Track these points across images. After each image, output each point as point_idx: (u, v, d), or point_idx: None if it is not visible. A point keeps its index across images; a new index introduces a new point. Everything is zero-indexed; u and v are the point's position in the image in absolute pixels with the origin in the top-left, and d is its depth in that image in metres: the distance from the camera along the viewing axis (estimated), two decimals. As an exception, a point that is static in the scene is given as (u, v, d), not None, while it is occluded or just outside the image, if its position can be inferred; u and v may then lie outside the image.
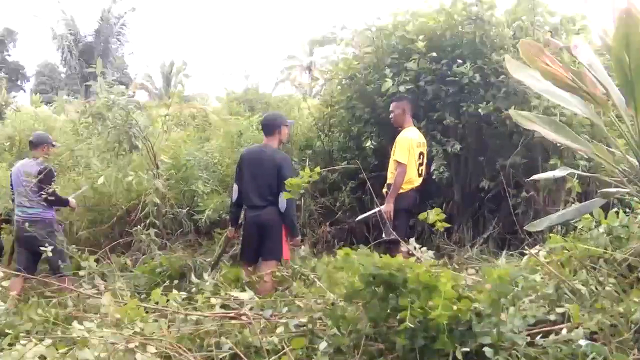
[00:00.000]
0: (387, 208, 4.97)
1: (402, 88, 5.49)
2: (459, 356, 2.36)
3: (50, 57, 42.74)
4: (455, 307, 2.48)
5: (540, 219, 3.57)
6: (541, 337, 2.51)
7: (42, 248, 4.65)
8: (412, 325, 2.38)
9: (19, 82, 43.83)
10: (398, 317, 2.50)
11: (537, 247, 3.37)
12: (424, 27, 5.72)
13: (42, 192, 5.16)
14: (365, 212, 5.61)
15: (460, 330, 2.52)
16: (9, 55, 44.39)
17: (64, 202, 5.56)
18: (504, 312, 2.61)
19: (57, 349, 2.60)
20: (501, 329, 2.50)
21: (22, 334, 3.12)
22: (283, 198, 4.42)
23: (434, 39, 5.69)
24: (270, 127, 4.76)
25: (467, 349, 2.42)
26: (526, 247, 3.86)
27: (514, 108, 4.60)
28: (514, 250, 4.86)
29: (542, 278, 2.92)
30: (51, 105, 14.32)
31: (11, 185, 5.65)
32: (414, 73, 5.57)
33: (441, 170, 5.46)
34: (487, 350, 2.35)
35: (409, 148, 4.97)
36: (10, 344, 2.90)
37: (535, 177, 4.43)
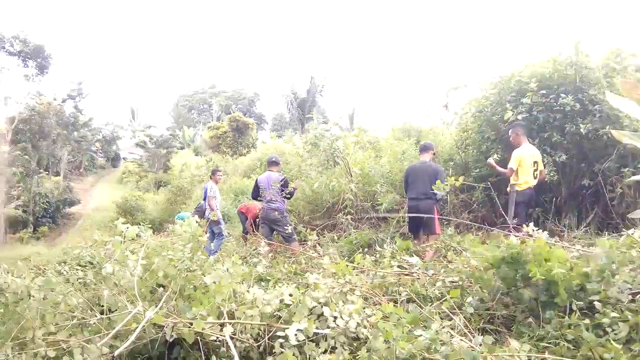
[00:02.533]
0: (489, 161, 6.52)
1: (519, 117, 6.78)
2: (574, 308, 2.72)
3: (280, 109, 62.06)
4: (563, 272, 2.85)
5: (637, 210, 4.35)
6: (640, 297, 2.79)
7: (279, 227, 7.04)
8: (537, 285, 2.85)
9: (262, 125, 64.28)
10: (525, 282, 2.99)
11: (632, 229, 3.87)
12: (535, 72, 7.03)
13: (283, 192, 7.34)
14: (495, 205, 6.86)
15: (574, 290, 2.90)
16: (256, 108, 67.27)
17: (292, 195, 7.77)
18: (610, 276, 2.93)
19: (299, 290, 3.18)
20: (608, 289, 2.83)
21: (278, 280, 4.56)
22: (437, 191, 5.92)
23: (543, 80, 6.90)
24: (426, 148, 6.67)
25: (581, 303, 2.77)
26: (623, 230, 4.54)
27: (608, 128, 5.95)
28: (612, 233, 5.40)
29: (637, 252, 3.28)
30: (282, 138, 18.97)
31: (256, 188, 7.79)
32: (528, 106, 6.78)
33: (551, 174, 6.60)
34: (597, 304, 2.66)
35: (520, 159, 6.11)
36: (272, 286, 3.98)
37: (633, 178, 5.29)
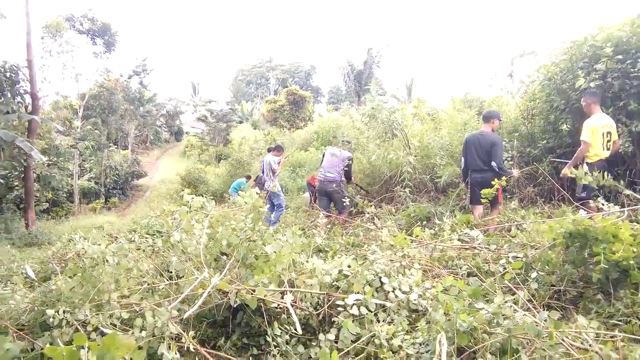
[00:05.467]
0: (564, 171, 5.66)
1: (592, 84, 6.38)
2: None
3: (336, 81, 62.68)
4: (634, 250, 2.77)
5: None
6: None
7: (335, 199, 7.20)
8: (605, 266, 2.75)
9: (318, 98, 64.55)
10: (594, 260, 2.88)
11: None
12: (611, 36, 6.54)
13: (345, 167, 7.57)
14: (562, 178, 6.32)
15: None
16: (312, 80, 67.52)
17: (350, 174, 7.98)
18: None
19: (357, 261, 3.34)
20: None
21: (336, 251, 4.64)
22: (495, 163, 5.88)
23: (619, 45, 6.43)
24: (488, 118, 6.25)
25: None
26: None
27: None
28: None
29: None
30: (338, 111, 19.10)
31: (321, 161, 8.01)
32: (602, 72, 6.37)
33: (626, 145, 6.23)
34: None
35: (593, 130, 5.71)
36: (331, 256, 4.17)
37: None
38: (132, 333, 2.45)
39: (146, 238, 5.25)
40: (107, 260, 3.10)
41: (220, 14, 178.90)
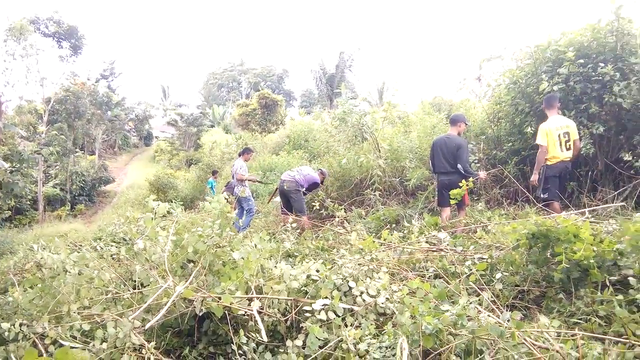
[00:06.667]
0: (532, 178, 6.02)
1: (555, 87, 6.51)
2: (607, 284, 2.70)
3: (308, 85, 63.10)
4: (594, 249, 2.84)
5: None
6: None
7: (292, 199, 7.20)
8: (567, 265, 2.81)
9: (291, 102, 65.23)
10: (556, 260, 2.94)
11: None
12: (573, 41, 6.75)
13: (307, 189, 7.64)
14: (528, 180, 6.43)
15: (606, 265, 2.88)
16: (284, 84, 67.89)
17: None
18: None
19: (325, 266, 3.30)
20: None
21: (305, 255, 4.59)
22: (461, 165, 6.00)
23: (581, 49, 6.63)
24: (454, 121, 6.37)
25: (615, 278, 2.77)
26: None
27: None
28: None
29: None
30: (310, 115, 19.20)
31: None
32: (565, 76, 6.52)
33: (588, 147, 6.34)
34: (632, 280, 2.63)
35: (547, 133, 5.86)
36: (299, 261, 4.18)
37: None
38: (93, 345, 2.38)
39: (111, 246, 5.12)
40: (67, 271, 3.00)
41: (191, 16, 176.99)
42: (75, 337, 2.54)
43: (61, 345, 2.38)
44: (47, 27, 25.68)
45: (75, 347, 2.37)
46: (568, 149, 5.94)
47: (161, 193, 20.34)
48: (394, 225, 6.49)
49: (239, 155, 9.46)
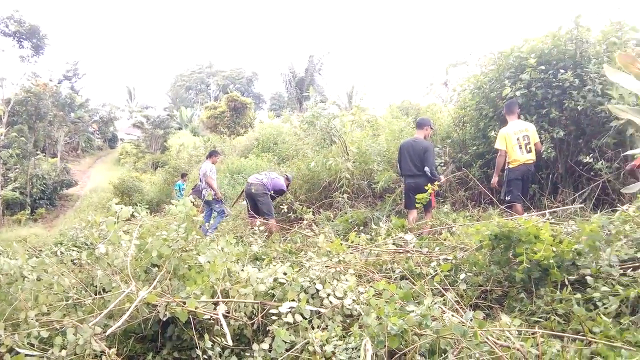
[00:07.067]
0: (493, 181, 6.24)
1: (517, 93, 6.71)
2: (566, 283, 2.79)
3: (278, 88, 63.40)
4: (554, 249, 2.92)
5: (632, 184, 3.90)
6: (632, 271, 2.87)
7: (259, 202, 7.22)
8: (528, 265, 2.88)
9: (260, 105, 65.17)
10: (517, 260, 3.00)
11: (627, 205, 3.93)
12: (535, 48, 6.96)
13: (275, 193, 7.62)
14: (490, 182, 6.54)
15: (566, 265, 2.97)
16: (254, 87, 67.74)
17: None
18: (601, 251, 2.99)
19: (293, 269, 3.30)
20: (599, 264, 2.92)
21: (272, 258, 4.54)
22: (428, 168, 6.09)
23: (542, 56, 6.84)
24: (421, 125, 6.49)
25: (573, 277, 2.87)
26: (618, 206, 4.32)
27: (606, 104, 5.80)
28: (608, 209, 5.45)
29: (630, 227, 3.43)
30: (280, 118, 19.16)
31: None
32: (527, 82, 6.72)
33: (549, 150, 6.54)
34: (589, 279, 2.74)
35: (505, 137, 6.05)
36: (266, 264, 4.06)
37: (629, 152, 5.18)
38: (52, 352, 2.30)
39: (72, 251, 4.97)
40: (25, 276, 2.90)
41: (159, 17, 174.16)
42: (32, 345, 2.45)
43: (17, 354, 2.29)
44: (7, 26, 24.81)
45: (33, 355, 2.29)
46: (529, 152, 6.09)
47: (126, 196, 19.91)
48: (361, 227, 6.55)
49: (207, 158, 9.36)
